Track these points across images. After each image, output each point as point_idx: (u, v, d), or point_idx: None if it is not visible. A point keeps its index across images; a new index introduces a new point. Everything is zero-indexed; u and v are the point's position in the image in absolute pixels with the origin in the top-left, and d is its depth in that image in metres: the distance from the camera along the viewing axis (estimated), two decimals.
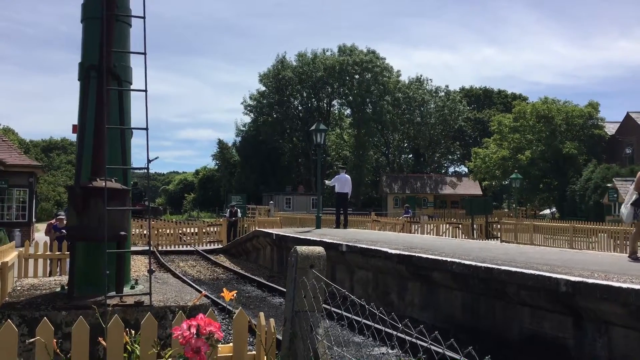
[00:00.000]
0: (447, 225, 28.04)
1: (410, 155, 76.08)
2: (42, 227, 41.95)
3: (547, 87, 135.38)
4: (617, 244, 19.80)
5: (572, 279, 7.12)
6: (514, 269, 8.08)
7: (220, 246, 25.29)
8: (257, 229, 22.91)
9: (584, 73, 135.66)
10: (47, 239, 13.52)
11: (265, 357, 3.37)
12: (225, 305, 11.15)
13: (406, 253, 10.64)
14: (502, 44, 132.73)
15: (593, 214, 35.10)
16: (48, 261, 9.99)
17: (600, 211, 36.09)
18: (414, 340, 2.34)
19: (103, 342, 3.02)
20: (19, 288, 5.81)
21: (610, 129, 48.25)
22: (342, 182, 19.03)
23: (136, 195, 54.73)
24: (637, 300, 6.24)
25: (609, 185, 36.06)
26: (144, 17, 5.29)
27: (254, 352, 3.46)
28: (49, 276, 9.33)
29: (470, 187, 61.05)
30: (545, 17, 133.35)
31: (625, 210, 9.68)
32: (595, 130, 46.78)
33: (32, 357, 2.94)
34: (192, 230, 27.17)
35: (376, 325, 3.44)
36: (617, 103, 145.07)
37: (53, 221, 14.15)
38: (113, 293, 5.19)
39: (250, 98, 70.08)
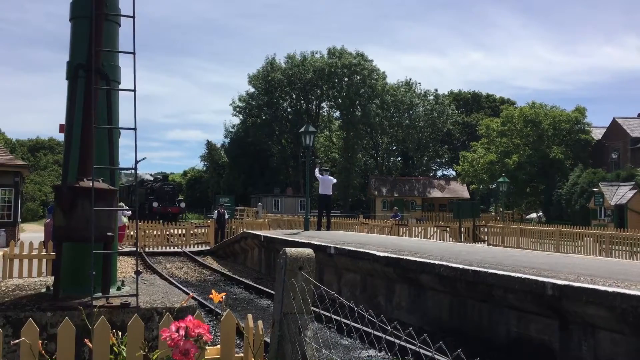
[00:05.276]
0: (435, 228, 28.14)
1: (399, 158, 76.24)
2: (27, 227, 41.57)
3: (533, 92, 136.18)
4: (603, 248, 19.98)
5: (559, 282, 7.16)
6: (501, 272, 8.13)
7: (207, 248, 25.18)
8: (245, 230, 22.83)
9: (570, 78, 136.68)
10: (35, 238, 13.29)
11: (253, 359, 3.35)
12: (212, 307, 11.10)
13: (394, 256, 10.65)
14: (489, 48, 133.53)
15: (579, 218, 35.40)
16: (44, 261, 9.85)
17: (586, 215, 36.39)
18: (402, 343, 2.33)
19: (89, 344, 3.00)
20: (3, 289, 5.74)
21: (597, 134, 48.71)
22: (326, 184, 18.89)
23: (169, 193, 43.18)
24: (623, 304, 6.30)
25: (595, 189, 36.39)
26: (133, 17, 5.26)
27: (241, 355, 3.44)
28: (35, 277, 9.23)
29: (458, 191, 61.29)
30: (531, 23, 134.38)
31: None
32: (582, 135, 47.21)
33: (17, 358, 2.91)
34: (180, 232, 27.03)
35: (364, 328, 3.44)
36: (603, 108, 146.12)
37: (48, 220, 13.66)
38: (99, 294, 5.14)
39: (239, 99, 69.98)
